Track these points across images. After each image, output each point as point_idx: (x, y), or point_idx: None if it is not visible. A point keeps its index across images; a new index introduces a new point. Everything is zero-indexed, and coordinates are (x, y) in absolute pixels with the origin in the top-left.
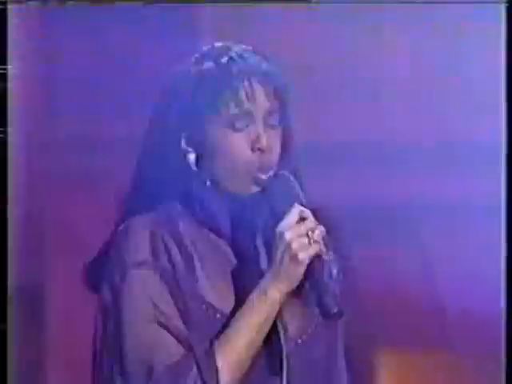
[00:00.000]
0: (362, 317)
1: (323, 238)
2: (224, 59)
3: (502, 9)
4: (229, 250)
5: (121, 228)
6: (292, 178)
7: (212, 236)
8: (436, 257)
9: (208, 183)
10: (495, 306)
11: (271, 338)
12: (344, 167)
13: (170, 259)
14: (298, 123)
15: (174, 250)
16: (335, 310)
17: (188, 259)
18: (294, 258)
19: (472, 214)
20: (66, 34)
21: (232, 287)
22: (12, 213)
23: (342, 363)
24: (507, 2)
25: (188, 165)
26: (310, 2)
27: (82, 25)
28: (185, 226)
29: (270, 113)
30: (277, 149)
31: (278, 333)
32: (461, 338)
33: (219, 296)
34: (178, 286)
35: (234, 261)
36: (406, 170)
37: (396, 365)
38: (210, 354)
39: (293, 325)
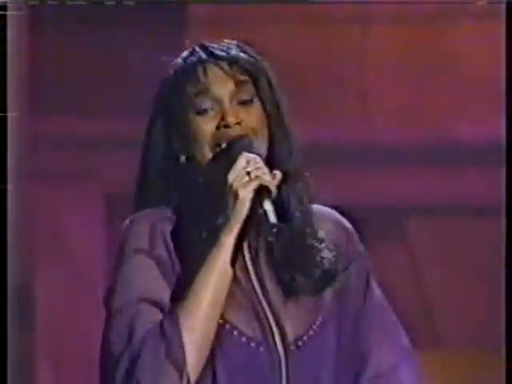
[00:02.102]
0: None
1: (273, 175)
2: (188, 52)
3: (502, 9)
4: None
5: (125, 222)
6: (251, 139)
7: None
8: (435, 256)
9: (201, 180)
10: (495, 306)
11: (269, 341)
12: (342, 167)
13: (167, 250)
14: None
15: (171, 245)
16: (274, 220)
17: (183, 255)
18: (235, 196)
19: (472, 214)
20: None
21: None
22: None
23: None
24: (507, 2)
25: (182, 166)
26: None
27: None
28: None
29: (237, 89)
30: (251, 123)
31: (274, 337)
32: (460, 335)
33: None
34: (173, 275)
35: None
36: (405, 169)
37: None
38: (175, 323)
39: (292, 326)
